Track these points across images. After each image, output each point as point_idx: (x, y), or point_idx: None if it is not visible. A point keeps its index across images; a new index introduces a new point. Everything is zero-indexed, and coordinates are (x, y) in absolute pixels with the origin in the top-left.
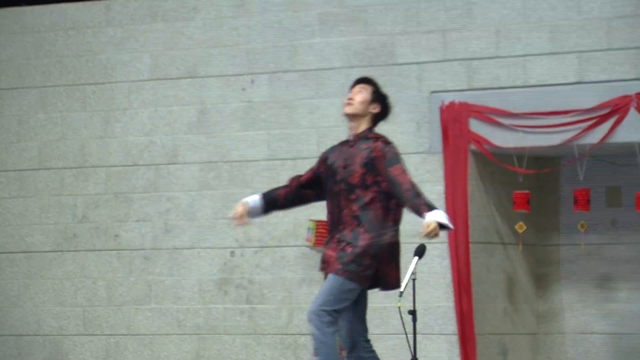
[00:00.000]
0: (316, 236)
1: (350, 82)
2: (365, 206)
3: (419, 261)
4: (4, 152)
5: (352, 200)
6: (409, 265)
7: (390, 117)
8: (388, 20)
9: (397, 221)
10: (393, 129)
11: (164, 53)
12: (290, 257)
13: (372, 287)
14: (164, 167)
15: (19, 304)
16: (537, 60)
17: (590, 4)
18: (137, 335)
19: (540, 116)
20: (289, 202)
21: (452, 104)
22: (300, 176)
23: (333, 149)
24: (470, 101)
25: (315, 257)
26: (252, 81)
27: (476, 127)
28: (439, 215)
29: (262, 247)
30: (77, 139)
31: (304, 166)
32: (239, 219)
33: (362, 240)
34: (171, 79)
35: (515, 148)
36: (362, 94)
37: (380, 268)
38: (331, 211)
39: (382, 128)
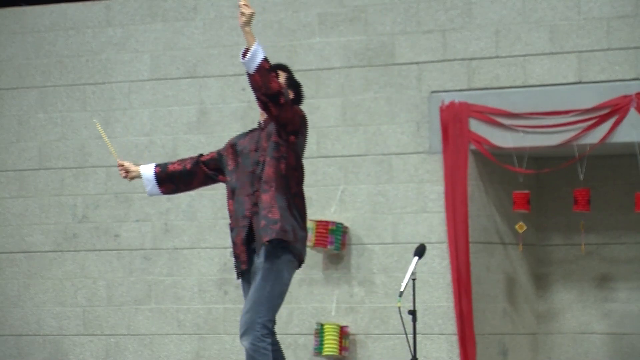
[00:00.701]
0: (316, 236)
1: (350, 83)
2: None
3: (419, 261)
4: (4, 152)
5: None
6: (408, 266)
7: (391, 117)
8: (388, 20)
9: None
10: (393, 129)
11: (164, 53)
12: None
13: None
14: None
15: (19, 304)
16: (537, 60)
17: (590, 4)
18: (137, 335)
19: (540, 116)
20: (185, 173)
21: (452, 104)
22: (200, 155)
23: (243, 135)
24: (470, 101)
25: (315, 257)
26: None
27: (476, 127)
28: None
29: None
30: (77, 139)
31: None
32: (123, 170)
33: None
34: (171, 79)
35: (515, 148)
36: None
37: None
38: (248, 194)
39: (382, 128)
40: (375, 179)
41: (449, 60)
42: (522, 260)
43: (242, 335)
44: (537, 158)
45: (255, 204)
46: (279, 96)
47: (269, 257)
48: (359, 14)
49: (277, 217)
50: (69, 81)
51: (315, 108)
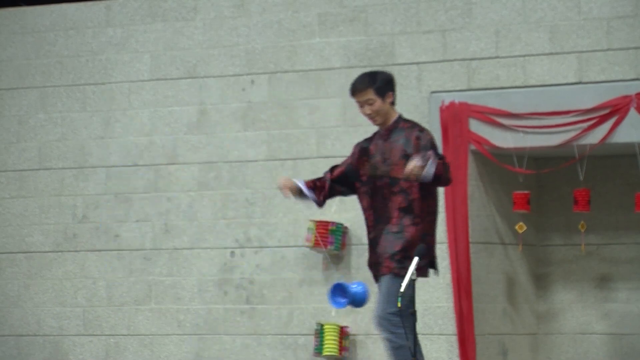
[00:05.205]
0: (316, 236)
1: (350, 83)
2: (409, 197)
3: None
4: (4, 152)
5: (395, 192)
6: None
7: None
8: (388, 20)
9: (436, 207)
10: None
11: (164, 53)
12: (290, 257)
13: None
14: (164, 167)
15: (19, 304)
16: (537, 61)
17: (590, 4)
18: (137, 335)
19: (540, 116)
20: (326, 197)
21: (452, 104)
22: (333, 169)
23: (368, 141)
24: (470, 101)
25: (315, 257)
26: (252, 81)
27: (476, 127)
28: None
29: (262, 247)
30: (77, 139)
31: (303, 166)
32: (284, 189)
33: (408, 232)
34: (171, 79)
35: (515, 148)
36: (372, 106)
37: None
38: (373, 206)
39: None
40: None
41: (449, 60)
42: (522, 261)
43: (378, 325)
44: (537, 158)
45: (385, 216)
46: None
47: None
48: (359, 14)
49: (401, 252)
50: (69, 81)
51: (315, 108)
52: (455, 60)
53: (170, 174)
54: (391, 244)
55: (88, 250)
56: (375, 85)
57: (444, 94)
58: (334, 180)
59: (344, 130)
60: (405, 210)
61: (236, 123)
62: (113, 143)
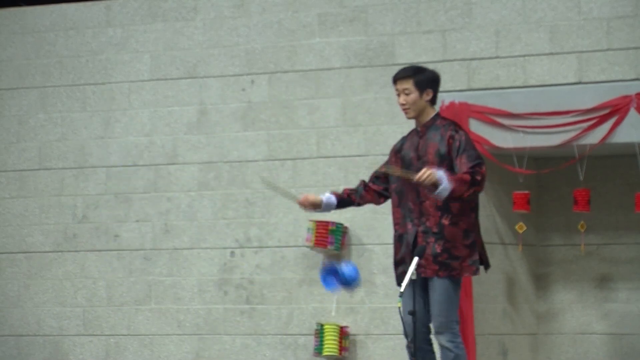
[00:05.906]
0: (316, 236)
1: (350, 83)
2: None
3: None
4: (4, 152)
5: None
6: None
7: (391, 117)
8: (388, 21)
9: (477, 203)
10: (393, 129)
11: (164, 53)
12: (290, 257)
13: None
14: (164, 167)
15: (19, 304)
16: (537, 61)
17: (590, 4)
18: (137, 336)
19: (540, 116)
20: (358, 201)
21: (452, 104)
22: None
23: (403, 139)
24: (470, 101)
25: (315, 258)
26: (252, 81)
27: (476, 127)
28: (440, 174)
29: (262, 247)
30: (77, 139)
31: (303, 166)
32: (305, 203)
33: (448, 232)
34: (171, 79)
35: (515, 148)
36: (408, 96)
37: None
38: (402, 203)
39: (382, 128)
40: None
41: (449, 60)
42: (522, 261)
43: (438, 334)
44: (537, 158)
45: (422, 215)
46: (481, 183)
47: None
48: (359, 14)
49: (444, 253)
50: (69, 81)
51: (315, 108)
52: (455, 60)
53: (170, 174)
54: (432, 244)
55: (88, 250)
56: (416, 77)
57: (444, 94)
58: (376, 178)
59: (344, 130)
60: (442, 208)
61: (236, 123)
62: (113, 143)
